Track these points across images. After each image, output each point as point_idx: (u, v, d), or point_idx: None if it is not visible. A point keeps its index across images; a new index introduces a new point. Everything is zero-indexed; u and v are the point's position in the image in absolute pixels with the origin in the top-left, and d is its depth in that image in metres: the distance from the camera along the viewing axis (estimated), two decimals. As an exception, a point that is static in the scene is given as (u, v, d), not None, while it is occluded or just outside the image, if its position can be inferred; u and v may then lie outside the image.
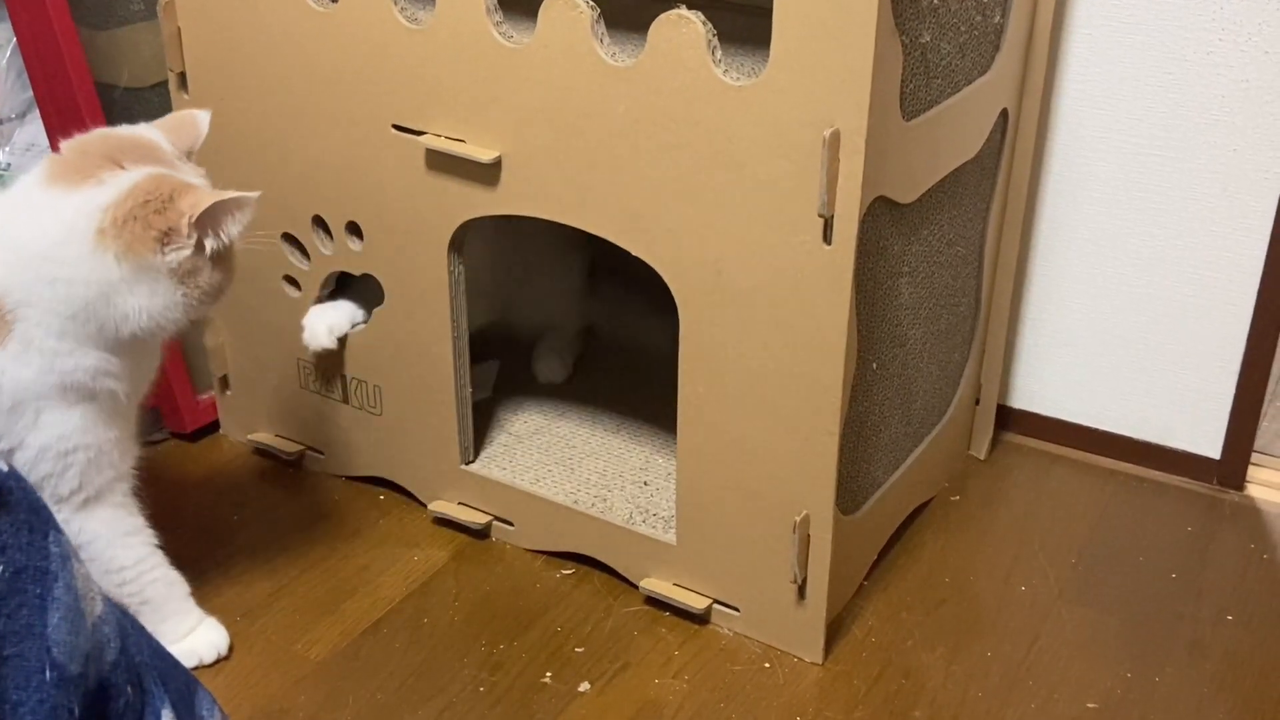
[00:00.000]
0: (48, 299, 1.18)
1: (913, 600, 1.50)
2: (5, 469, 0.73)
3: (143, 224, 1.18)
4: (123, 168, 1.21)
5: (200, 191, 1.20)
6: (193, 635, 1.39)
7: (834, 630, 1.44)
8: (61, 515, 1.24)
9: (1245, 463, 1.71)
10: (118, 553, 1.31)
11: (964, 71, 1.39)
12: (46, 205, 1.19)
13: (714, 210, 1.27)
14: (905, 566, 1.56)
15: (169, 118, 1.31)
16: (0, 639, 0.70)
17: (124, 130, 1.27)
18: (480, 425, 1.65)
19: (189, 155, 1.29)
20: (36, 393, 1.20)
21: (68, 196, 1.19)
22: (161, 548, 1.35)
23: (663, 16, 1.22)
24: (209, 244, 1.21)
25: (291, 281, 1.62)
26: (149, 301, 1.20)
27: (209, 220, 1.20)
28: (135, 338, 1.22)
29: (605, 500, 1.54)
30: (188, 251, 1.19)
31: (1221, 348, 1.66)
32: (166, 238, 1.18)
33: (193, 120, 1.30)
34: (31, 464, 1.22)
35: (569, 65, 1.29)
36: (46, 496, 1.23)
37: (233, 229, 1.22)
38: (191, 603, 1.39)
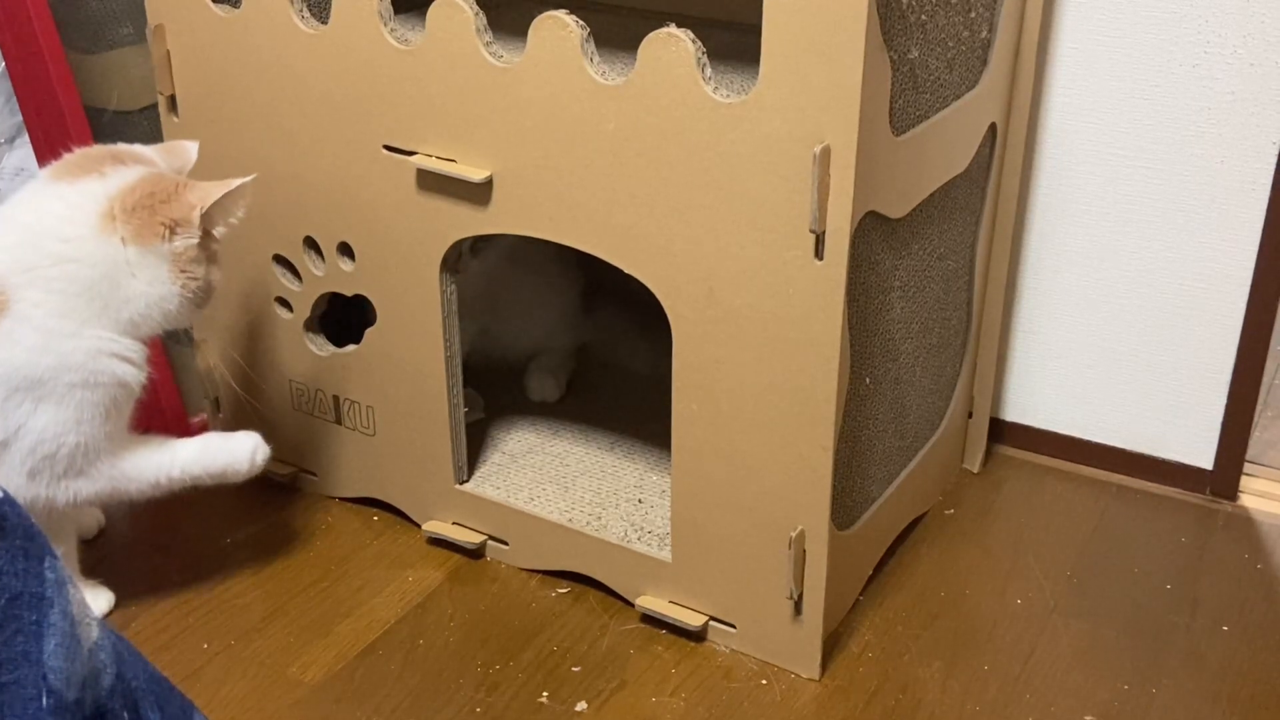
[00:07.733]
0: (53, 277, 1.25)
1: (909, 614, 1.50)
2: (1, 495, 0.73)
3: (150, 212, 1.27)
4: (124, 165, 1.31)
5: (206, 185, 1.30)
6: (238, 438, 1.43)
7: (830, 646, 1.43)
8: (65, 486, 1.32)
9: (1238, 473, 1.71)
10: (142, 476, 1.36)
11: (952, 86, 1.40)
12: (52, 194, 1.29)
13: (705, 227, 1.27)
14: (901, 581, 1.56)
15: (161, 144, 1.42)
16: (-4, 666, 0.70)
17: (122, 145, 1.37)
18: (474, 445, 1.65)
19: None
20: (31, 377, 1.24)
21: (72, 185, 1.29)
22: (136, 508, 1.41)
23: (652, 35, 1.23)
24: (216, 232, 1.32)
25: (283, 303, 1.61)
26: (149, 289, 1.29)
27: (216, 212, 1.30)
28: (134, 323, 1.29)
29: (600, 518, 1.54)
30: (194, 241, 1.29)
31: (1212, 358, 1.67)
32: (175, 227, 1.28)
33: (183, 148, 1.41)
34: (30, 449, 1.27)
35: (559, 84, 1.29)
36: (47, 477, 1.29)
37: (236, 215, 1.33)
38: (220, 436, 1.42)
